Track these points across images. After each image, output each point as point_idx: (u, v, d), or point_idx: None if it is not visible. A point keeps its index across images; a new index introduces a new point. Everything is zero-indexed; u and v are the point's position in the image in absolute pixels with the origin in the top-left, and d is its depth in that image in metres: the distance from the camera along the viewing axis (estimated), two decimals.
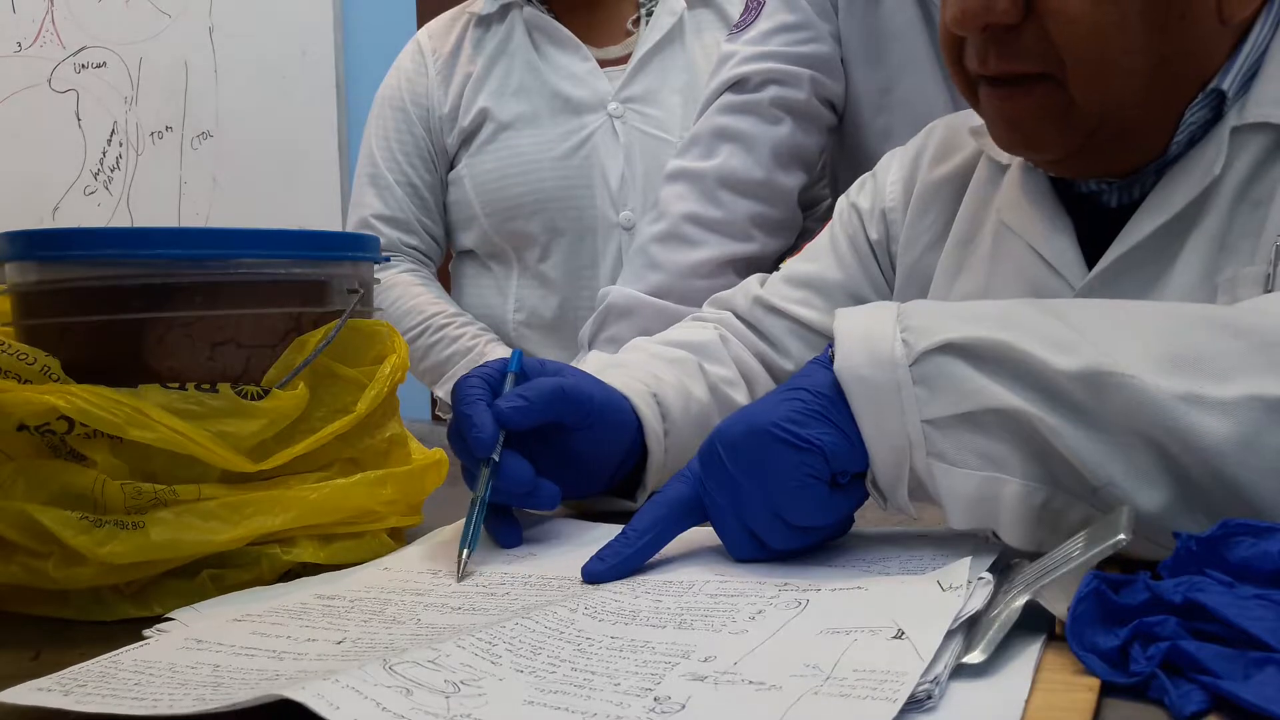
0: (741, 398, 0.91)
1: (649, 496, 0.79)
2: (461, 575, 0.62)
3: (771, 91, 1.18)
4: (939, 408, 0.56)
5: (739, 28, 1.22)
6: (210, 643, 0.51)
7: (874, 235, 0.95)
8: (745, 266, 1.14)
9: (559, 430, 0.71)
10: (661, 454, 0.79)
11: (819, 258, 0.98)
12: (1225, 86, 0.73)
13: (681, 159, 1.21)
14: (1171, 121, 0.74)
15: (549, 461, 0.71)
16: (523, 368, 0.73)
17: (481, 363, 0.75)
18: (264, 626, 0.54)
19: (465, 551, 0.63)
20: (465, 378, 0.71)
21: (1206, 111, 0.74)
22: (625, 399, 0.78)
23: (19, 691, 0.45)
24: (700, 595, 0.56)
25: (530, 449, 0.70)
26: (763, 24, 1.20)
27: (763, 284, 0.99)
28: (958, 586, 0.51)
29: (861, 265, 0.96)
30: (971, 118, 0.84)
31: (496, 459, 0.67)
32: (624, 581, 0.59)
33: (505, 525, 0.69)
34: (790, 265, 0.99)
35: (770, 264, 1.03)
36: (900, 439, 0.57)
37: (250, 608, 0.57)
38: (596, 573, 0.60)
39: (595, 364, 0.88)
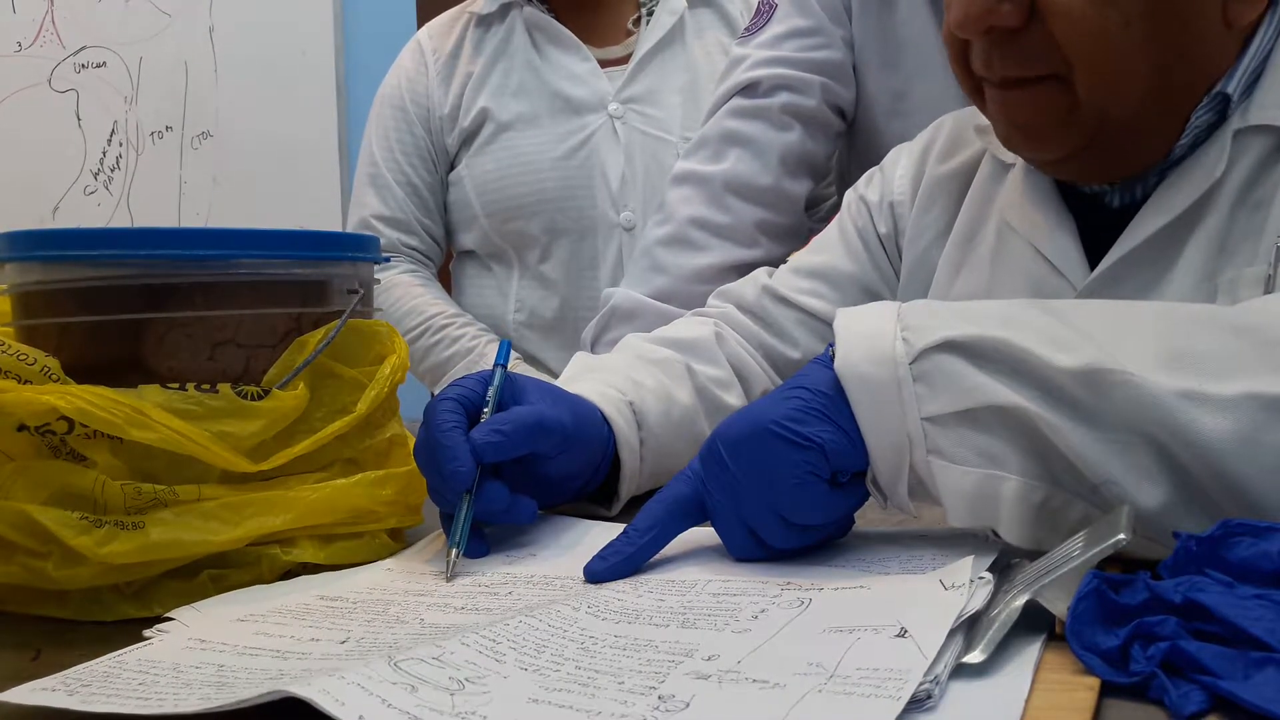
0: (733, 399, 0.90)
1: (623, 505, 0.79)
2: (451, 574, 0.62)
3: (782, 98, 1.17)
4: (939, 405, 0.56)
5: (750, 30, 1.21)
6: (214, 643, 0.51)
7: (882, 229, 0.95)
8: (750, 272, 1.14)
9: (532, 456, 0.71)
10: (636, 464, 0.79)
11: (828, 249, 0.97)
12: (1230, 90, 0.73)
13: (689, 161, 1.20)
14: (1176, 124, 0.74)
15: (519, 478, 0.71)
16: (505, 380, 0.72)
17: (465, 374, 0.74)
18: (267, 626, 0.54)
19: (454, 550, 0.63)
20: (439, 399, 0.70)
21: (1211, 114, 0.74)
22: (598, 410, 0.77)
23: (23, 691, 0.45)
24: (703, 594, 0.56)
25: (501, 466, 0.69)
26: (775, 28, 1.19)
27: (770, 276, 0.99)
28: (960, 585, 0.51)
29: (871, 257, 0.95)
30: (978, 115, 0.84)
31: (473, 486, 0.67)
32: (626, 581, 0.60)
33: (471, 538, 0.68)
34: (798, 257, 0.99)
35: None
36: (900, 436, 0.57)
37: (252, 607, 0.57)
38: (598, 572, 0.60)
39: (576, 366, 0.87)
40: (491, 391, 0.70)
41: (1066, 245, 0.79)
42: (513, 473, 0.70)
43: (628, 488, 0.79)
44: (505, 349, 0.75)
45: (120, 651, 0.50)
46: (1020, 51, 0.72)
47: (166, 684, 0.46)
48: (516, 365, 1.40)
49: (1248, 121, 0.73)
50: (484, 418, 0.69)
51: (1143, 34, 0.70)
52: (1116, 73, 0.71)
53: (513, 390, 0.72)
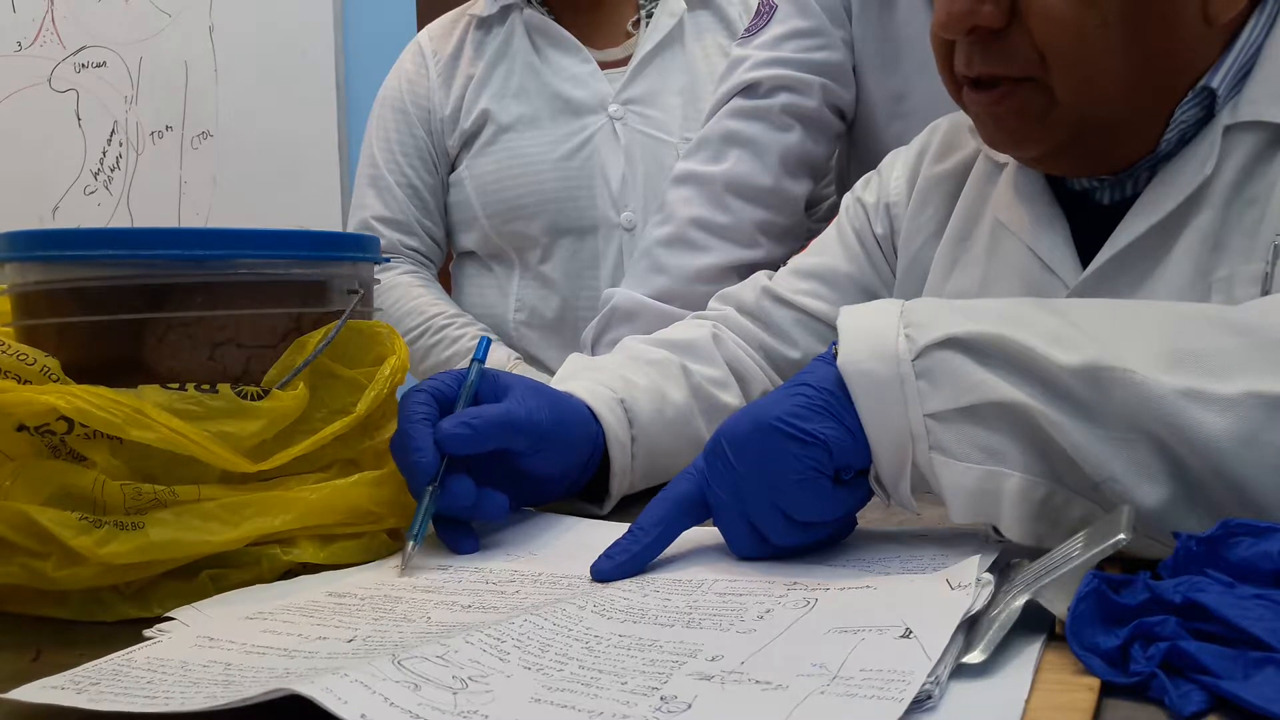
0: (731, 398, 0.91)
1: (615, 504, 0.79)
2: (406, 568, 0.63)
3: (782, 98, 1.17)
4: (941, 401, 0.56)
5: (750, 32, 1.21)
6: (222, 641, 0.52)
7: (879, 230, 0.95)
8: (750, 273, 1.14)
9: (509, 453, 0.71)
10: (627, 461, 0.79)
11: (827, 251, 0.98)
12: (1215, 85, 0.73)
13: (689, 162, 1.20)
14: (1160, 120, 0.74)
15: (499, 476, 0.71)
16: (487, 377, 0.72)
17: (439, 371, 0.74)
18: (275, 625, 0.54)
19: (410, 543, 0.64)
20: (413, 390, 0.70)
21: (1198, 110, 0.74)
22: (587, 408, 0.77)
23: (32, 689, 0.45)
24: (709, 594, 0.56)
25: (478, 462, 0.70)
26: (775, 29, 1.19)
27: (770, 279, 0.99)
28: (966, 585, 0.51)
29: (869, 258, 0.96)
30: None
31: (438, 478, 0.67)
32: (633, 580, 0.60)
33: (459, 532, 0.69)
34: (797, 259, 1.00)
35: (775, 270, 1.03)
36: (903, 433, 0.57)
37: (258, 606, 0.57)
38: (605, 570, 0.60)
39: (571, 366, 0.87)
40: (465, 386, 0.71)
41: (1058, 243, 0.79)
42: (491, 470, 0.70)
43: (619, 485, 0.79)
44: (484, 346, 0.75)
45: (129, 650, 0.51)
46: (1001, 51, 0.73)
47: (174, 682, 0.46)
48: (517, 366, 1.40)
49: (1238, 118, 0.73)
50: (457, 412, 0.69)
51: (1121, 33, 0.70)
52: (1095, 72, 0.71)
53: (495, 387, 0.72)
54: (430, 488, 0.66)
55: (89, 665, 0.48)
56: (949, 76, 0.79)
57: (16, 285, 0.66)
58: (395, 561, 0.66)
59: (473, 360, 0.73)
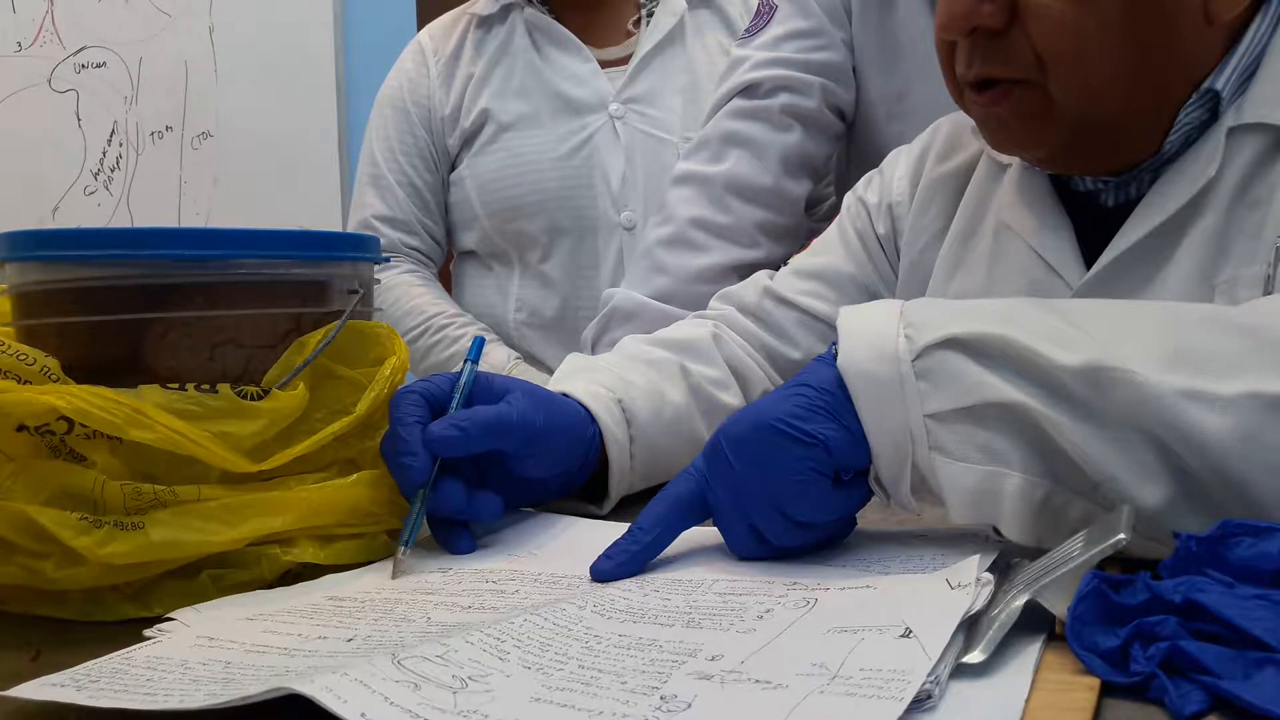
0: (731, 398, 0.91)
1: (614, 504, 0.79)
2: (397, 572, 0.63)
3: (782, 99, 1.17)
4: (941, 402, 0.56)
5: (750, 32, 1.22)
6: (222, 640, 0.52)
7: (881, 230, 0.95)
8: (751, 273, 1.14)
9: (502, 455, 0.71)
10: (626, 461, 0.79)
11: (828, 251, 0.98)
12: (1219, 86, 0.73)
13: (689, 162, 1.20)
14: (1163, 121, 0.74)
15: (493, 477, 0.71)
16: (482, 379, 0.72)
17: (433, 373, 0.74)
18: (275, 625, 0.54)
19: (401, 549, 0.64)
20: (404, 391, 0.69)
21: (1202, 112, 0.74)
22: (584, 409, 0.77)
23: (32, 687, 0.45)
24: (709, 594, 0.56)
25: (473, 464, 0.69)
26: (775, 29, 1.19)
27: (771, 278, 0.99)
28: (966, 584, 0.51)
29: (870, 259, 0.96)
30: None
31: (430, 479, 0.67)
32: (633, 580, 0.60)
33: (456, 533, 0.69)
34: (799, 259, 1.00)
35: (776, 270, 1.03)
36: (902, 433, 0.57)
37: (258, 608, 0.57)
38: (604, 571, 0.60)
39: (568, 366, 0.87)
40: (459, 387, 0.70)
41: (1062, 245, 0.79)
42: (486, 472, 0.70)
43: (618, 486, 0.79)
44: (478, 346, 0.74)
45: (129, 649, 0.51)
46: (1001, 53, 0.73)
47: (174, 680, 0.46)
48: (517, 366, 1.40)
49: (1242, 119, 0.73)
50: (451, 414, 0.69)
51: (1121, 34, 0.70)
52: (1093, 73, 0.71)
53: (490, 390, 0.72)
54: (422, 491, 0.66)
55: (89, 664, 0.48)
56: (951, 79, 0.79)
57: (16, 285, 0.66)
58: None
59: (465, 360, 0.72)
